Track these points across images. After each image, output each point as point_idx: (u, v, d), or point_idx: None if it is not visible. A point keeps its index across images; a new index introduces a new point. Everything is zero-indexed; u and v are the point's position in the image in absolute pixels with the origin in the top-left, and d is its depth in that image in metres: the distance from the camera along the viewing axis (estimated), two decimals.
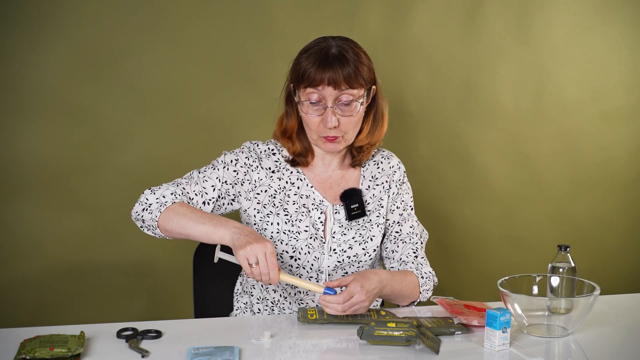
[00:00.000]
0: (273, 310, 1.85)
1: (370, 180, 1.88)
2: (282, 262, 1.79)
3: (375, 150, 1.93)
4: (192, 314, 2.07)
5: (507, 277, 1.66)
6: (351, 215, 1.81)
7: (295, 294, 1.83)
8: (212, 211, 1.77)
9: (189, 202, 1.73)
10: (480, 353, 1.52)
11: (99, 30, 2.37)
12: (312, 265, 1.79)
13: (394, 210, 1.88)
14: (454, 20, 2.71)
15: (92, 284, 2.47)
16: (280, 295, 1.84)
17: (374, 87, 1.79)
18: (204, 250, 2.03)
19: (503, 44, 2.77)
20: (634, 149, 2.96)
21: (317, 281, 1.80)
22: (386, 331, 1.51)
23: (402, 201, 1.89)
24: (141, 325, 1.59)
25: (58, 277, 2.43)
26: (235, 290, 1.96)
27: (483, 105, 2.79)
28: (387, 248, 1.88)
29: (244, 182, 1.81)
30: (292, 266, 1.79)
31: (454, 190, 2.83)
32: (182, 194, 1.73)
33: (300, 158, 1.83)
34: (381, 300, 1.94)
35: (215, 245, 1.66)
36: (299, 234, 1.79)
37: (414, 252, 1.86)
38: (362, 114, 1.78)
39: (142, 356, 1.45)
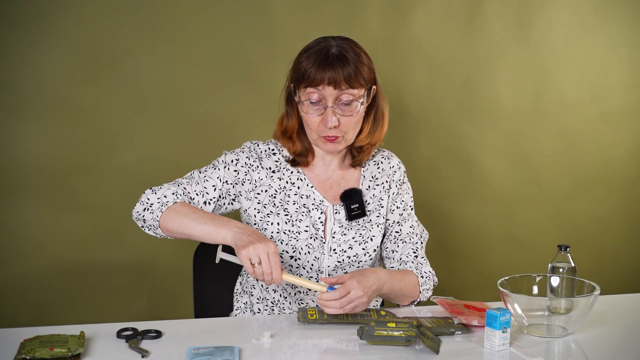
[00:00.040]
0: (273, 310, 1.85)
1: (370, 180, 1.88)
2: (282, 262, 1.79)
3: (376, 151, 1.92)
4: (192, 314, 2.07)
5: (507, 277, 1.66)
6: (351, 216, 1.81)
7: (295, 294, 1.83)
8: (212, 211, 1.77)
9: (190, 202, 1.73)
10: (480, 353, 1.52)
11: (99, 30, 2.37)
12: (312, 265, 1.79)
13: (394, 210, 1.88)
14: (454, 20, 2.71)
15: (92, 284, 2.47)
16: (281, 295, 1.84)
17: (374, 87, 1.79)
18: (204, 250, 2.03)
19: (503, 44, 2.77)
20: (634, 149, 2.96)
21: (318, 281, 1.80)
22: (386, 331, 1.51)
23: (402, 201, 1.89)
24: (141, 325, 1.59)
25: (58, 277, 2.43)
26: (235, 290, 1.96)
27: (483, 105, 2.79)
28: (387, 248, 1.88)
29: (244, 182, 1.80)
30: (292, 266, 1.79)
31: (454, 190, 2.82)
32: (184, 193, 1.72)
33: (300, 158, 1.83)
34: (381, 300, 1.94)
35: (216, 246, 1.66)
36: (299, 234, 1.78)
37: (414, 252, 1.86)
38: (362, 114, 1.78)
39: (142, 356, 1.45)
